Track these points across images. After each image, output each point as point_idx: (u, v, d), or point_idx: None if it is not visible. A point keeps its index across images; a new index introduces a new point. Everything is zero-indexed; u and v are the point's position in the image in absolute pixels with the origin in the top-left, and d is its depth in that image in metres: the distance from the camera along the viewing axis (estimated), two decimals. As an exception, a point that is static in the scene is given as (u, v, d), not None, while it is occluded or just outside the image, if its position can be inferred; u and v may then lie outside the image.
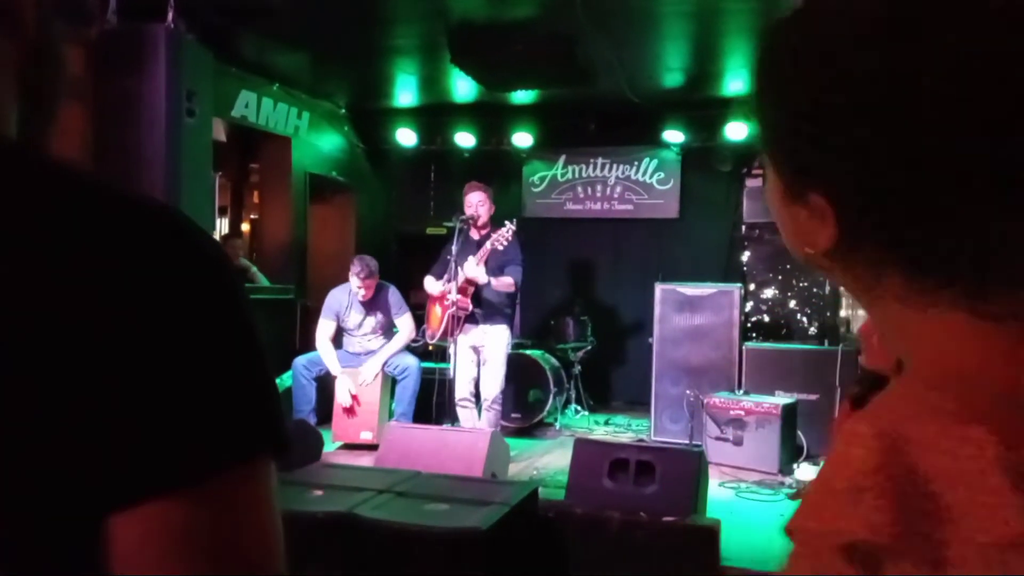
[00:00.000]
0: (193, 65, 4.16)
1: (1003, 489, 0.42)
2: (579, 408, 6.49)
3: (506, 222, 4.89)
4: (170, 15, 4.07)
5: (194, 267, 0.51)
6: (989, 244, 0.48)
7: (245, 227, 7.83)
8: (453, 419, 5.03)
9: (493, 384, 4.93)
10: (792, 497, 4.20)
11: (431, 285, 5.07)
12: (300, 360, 5.33)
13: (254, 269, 6.34)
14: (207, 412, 0.48)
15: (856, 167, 0.50)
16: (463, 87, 6.26)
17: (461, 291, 4.83)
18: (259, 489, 0.50)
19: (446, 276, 4.90)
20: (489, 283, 4.77)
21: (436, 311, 5.11)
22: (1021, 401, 0.46)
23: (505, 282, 4.83)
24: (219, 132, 6.17)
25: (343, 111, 7.11)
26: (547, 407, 5.81)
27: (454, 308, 4.81)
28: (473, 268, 4.73)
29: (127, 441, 0.45)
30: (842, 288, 0.60)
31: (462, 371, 4.98)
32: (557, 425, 6.02)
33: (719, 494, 4.18)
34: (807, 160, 0.53)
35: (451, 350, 4.94)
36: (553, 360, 6.15)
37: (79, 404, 0.45)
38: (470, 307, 4.87)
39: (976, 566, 0.41)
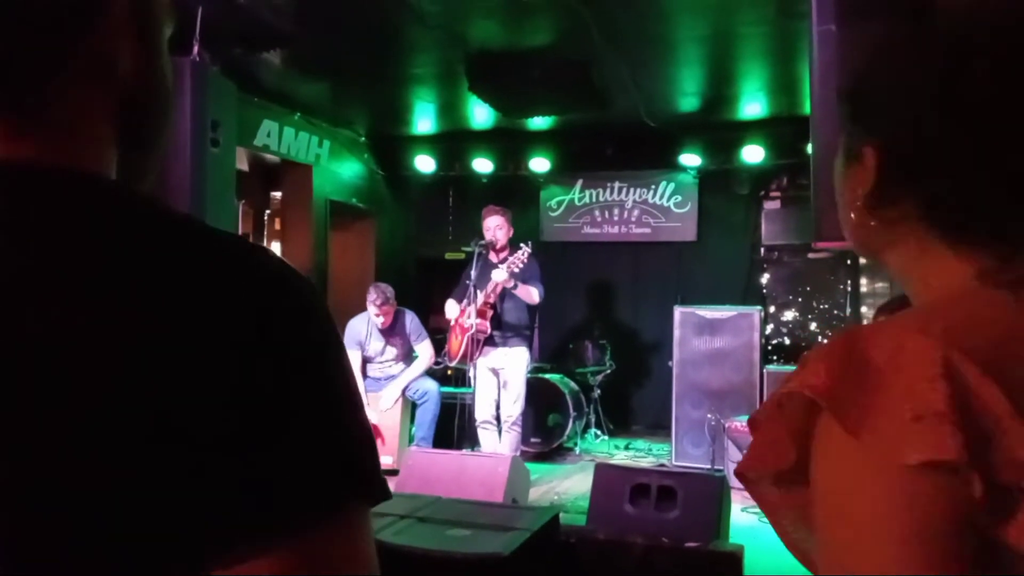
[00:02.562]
0: (217, 96, 4.23)
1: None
2: (599, 432, 6.45)
3: (521, 244, 4.92)
4: (195, 48, 4.16)
5: (297, 315, 0.50)
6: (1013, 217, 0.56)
7: (267, 254, 7.92)
8: (474, 443, 5.03)
9: (513, 405, 4.94)
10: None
11: (452, 310, 5.10)
12: (321, 385, 5.36)
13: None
14: (306, 461, 0.47)
15: (904, 127, 0.60)
16: (480, 114, 6.34)
17: (480, 314, 4.86)
18: (354, 537, 0.50)
19: (465, 300, 4.93)
20: (516, 286, 4.79)
21: (456, 335, 5.14)
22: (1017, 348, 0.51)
23: (529, 290, 4.85)
24: (242, 161, 6.28)
25: (363, 139, 7.21)
26: (567, 431, 5.79)
27: (473, 331, 4.84)
28: (500, 273, 4.77)
29: (225, 493, 0.45)
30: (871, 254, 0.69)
31: (483, 393, 4.99)
32: (577, 450, 5.99)
33: (742, 519, 4.13)
34: (866, 120, 0.64)
35: (471, 373, 4.96)
36: (572, 384, 6.14)
37: (178, 452, 0.44)
38: (489, 330, 4.90)
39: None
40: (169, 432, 0.44)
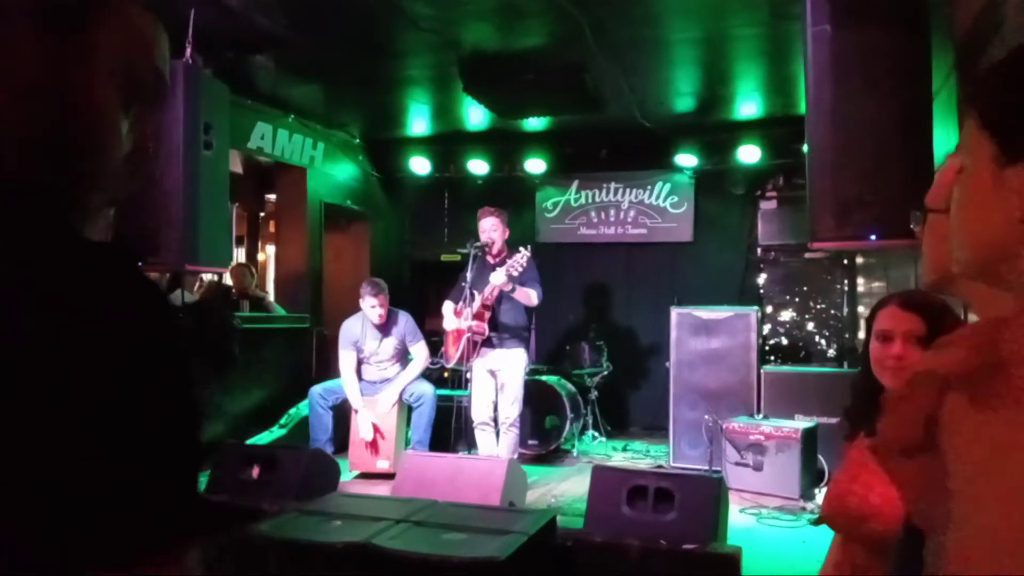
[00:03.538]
0: (210, 99, 4.24)
1: None
2: (596, 434, 6.45)
3: (520, 248, 4.91)
4: (188, 51, 4.15)
5: (141, 327, 0.50)
6: None
7: (262, 256, 7.90)
8: (471, 445, 5.01)
9: (511, 407, 4.93)
10: (815, 523, 4.14)
11: (449, 315, 5.09)
12: (316, 389, 5.35)
13: (270, 299, 6.39)
14: (143, 489, 0.47)
15: None
16: (475, 115, 6.33)
17: (477, 316, 4.85)
18: (181, 562, 0.49)
19: (461, 302, 4.92)
20: (514, 289, 4.78)
21: (453, 336, 5.12)
22: None
23: (527, 292, 4.85)
24: (236, 163, 6.26)
25: (357, 141, 7.20)
26: (564, 433, 5.78)
27: (470, 333, 4.83)
28: (499, 275, 4.75)
29: (60, 521, 0.44)
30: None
31: (480, 395, 4.98)
32: (574, 452, 5.98)
33: (740, 520, 4.13)
34: None
35: (468, 375, 4.95)
36: (569, 386, 6.13)
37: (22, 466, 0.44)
38: (486, 331, 4.89)
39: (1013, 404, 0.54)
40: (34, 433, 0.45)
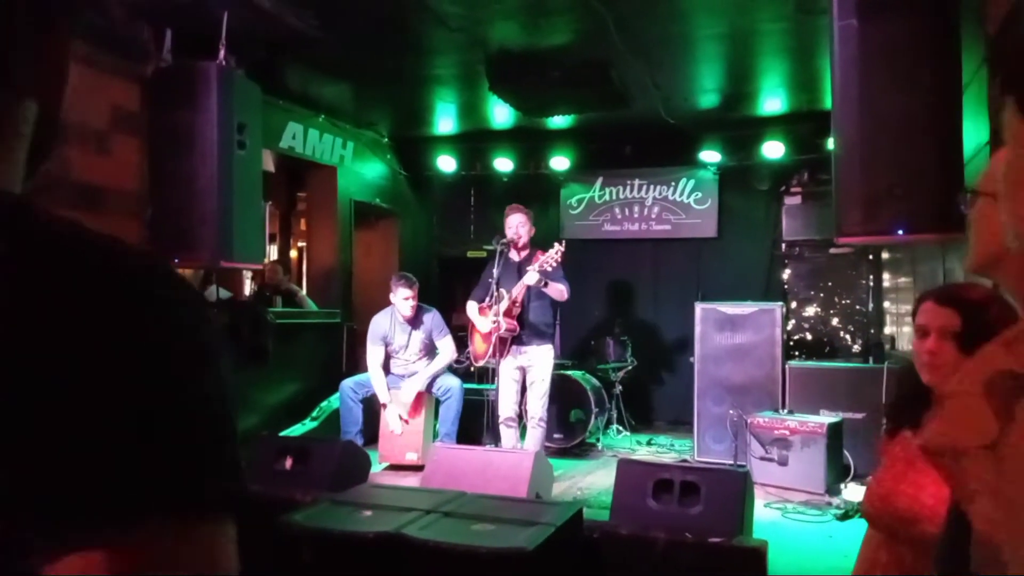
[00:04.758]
0: (243, 99, 4.33)
1: None
2: (620, 428, 6.48)
3: (555, 243, 4.96)
4: (221, 52, 4.24)
5: (162, 327, 0.49)
6: None
7: (293, 254, 8.02)
8: (496, 439, 5.08)
9: (539, 403, 4.99)
10: (841, 518, 4.15)
11: (476, 316, 5.15)
12: (347, 382, 5.45)
13: (302, 293, 6.51)
14: (141, 465, 0.46)
15: None
16: (501, 113, 6.38)
17: (507, 314, 4.92)
18: (192, 550, 0.48)
19: (488, 298, 4.99)
20: (546, 284, 4.84)
21: (481, 335, 5.18)
22: None
23: (559, 288, 4.90)
24: (268, 163, 6.37)
25: (386, 140, 7.28)
26: (589, 427, 5.83)
27: (502, 330, 4.89)
28: (532, 276, 4.82)
29: (52, 489, 0.44)
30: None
31: (507, 391, 5.04)
32: (599, 445, 6.03)
33: (765, 515, 4.15)
34: None
35: (496, 370, 5.01)
36: (594, 380, 6.17)
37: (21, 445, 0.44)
38: (517, 329, 4.95)
39: None
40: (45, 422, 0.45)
